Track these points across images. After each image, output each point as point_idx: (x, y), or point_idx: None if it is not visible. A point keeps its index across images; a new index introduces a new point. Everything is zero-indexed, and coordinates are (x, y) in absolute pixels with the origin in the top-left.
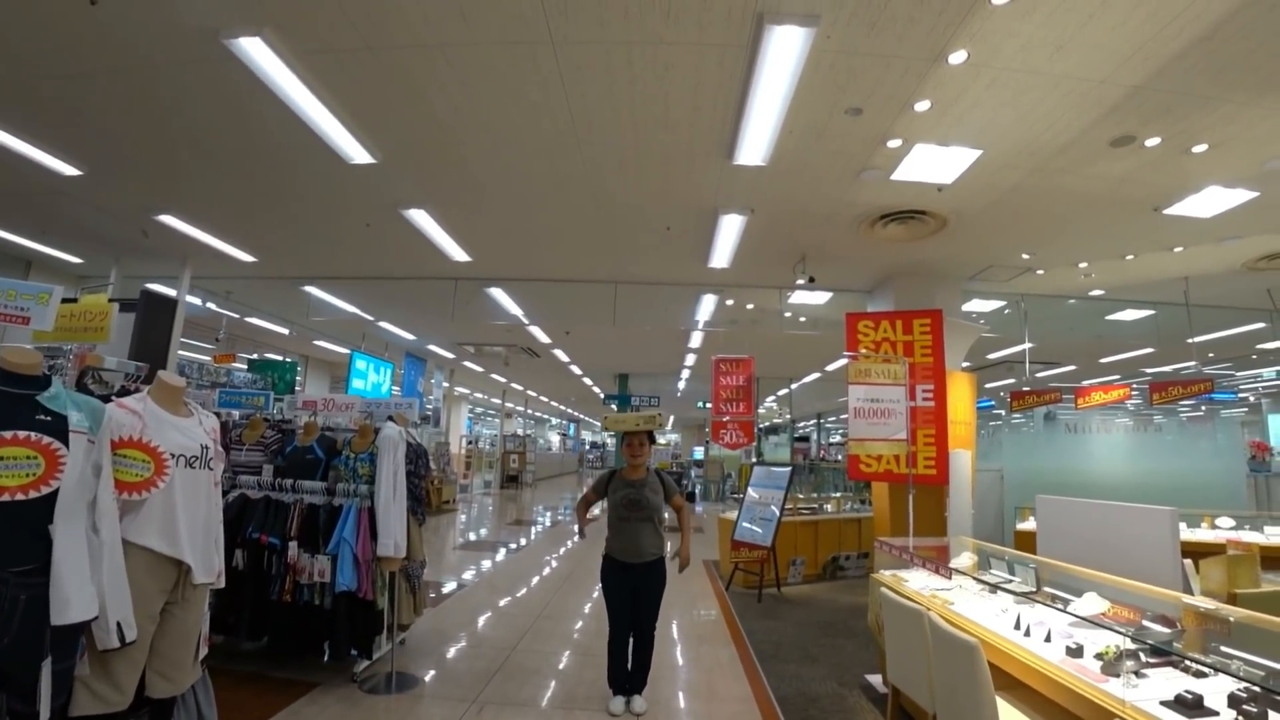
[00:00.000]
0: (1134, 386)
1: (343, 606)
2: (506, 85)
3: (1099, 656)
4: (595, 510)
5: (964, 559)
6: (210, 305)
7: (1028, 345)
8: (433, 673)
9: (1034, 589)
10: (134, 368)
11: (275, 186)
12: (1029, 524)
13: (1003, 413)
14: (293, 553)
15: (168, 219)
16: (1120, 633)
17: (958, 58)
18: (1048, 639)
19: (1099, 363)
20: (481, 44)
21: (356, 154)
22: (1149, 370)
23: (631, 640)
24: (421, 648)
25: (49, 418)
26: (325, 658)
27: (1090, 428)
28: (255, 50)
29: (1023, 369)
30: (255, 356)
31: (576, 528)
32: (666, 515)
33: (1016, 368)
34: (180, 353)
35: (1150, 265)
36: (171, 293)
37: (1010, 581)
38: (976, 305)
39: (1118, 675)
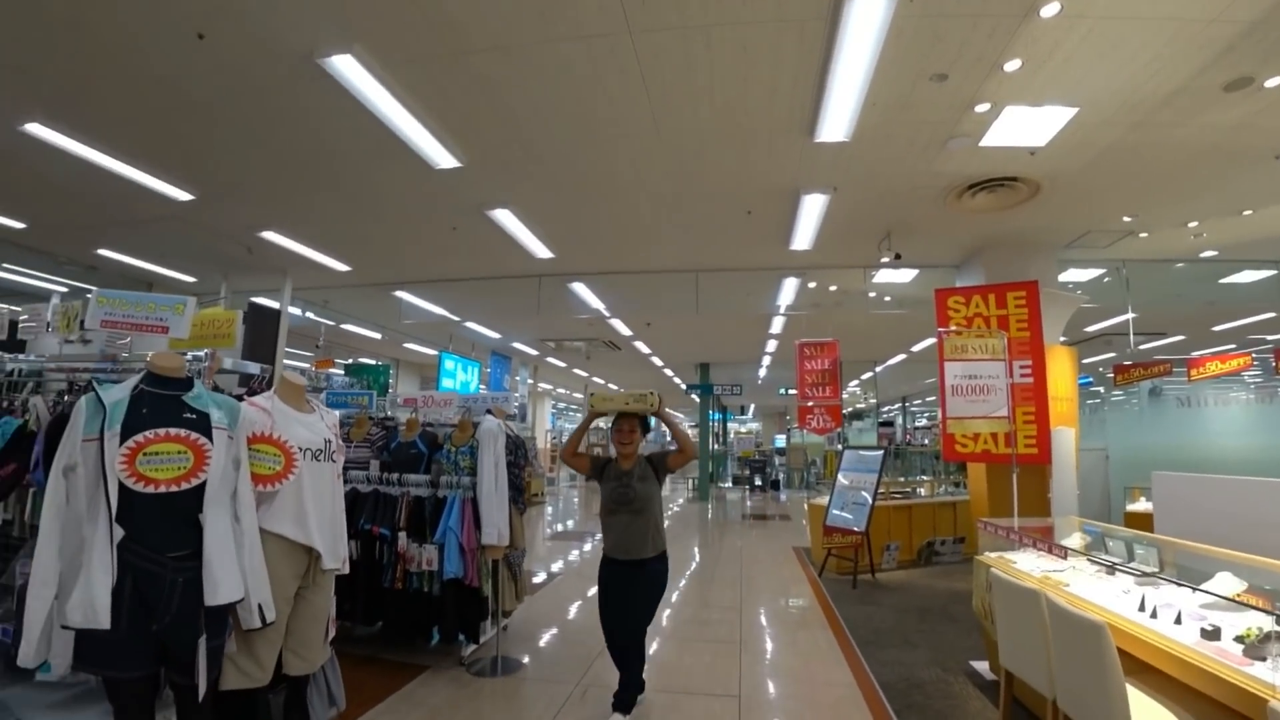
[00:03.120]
0: (1255, 355)
1: (450, 593)
2: (585, 79)
3: (1240, 639)
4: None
5: (1073, 540)
6: (309, 314)
7: (1131, 315)
8: (534, 657)
9: (1157, 569)
10: (259, 369)
11: (366, 196)
12: (1141, 504)
13: (1102, 389)
14: (402, 542)
15: (269, 235)
16: (1267, 612)
17: (1050, 10)
18: (1178, 621)
19: (1212, 331)
20: (560, 40)
21: (442, 159)
22: (1270, 337)
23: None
24: (521, 633)
25: (194, 416)
26: (432, 642)
27: (1204, 401)
28: (346, 66)
29: (1124, 341)
30: (350, 361)
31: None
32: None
33: (1116, 341)
34: (285, 361)
35: (1270, 221)
36: (275, 304)
37: (1129, 562)
38: (1072, 275)
39: (1264, 659)
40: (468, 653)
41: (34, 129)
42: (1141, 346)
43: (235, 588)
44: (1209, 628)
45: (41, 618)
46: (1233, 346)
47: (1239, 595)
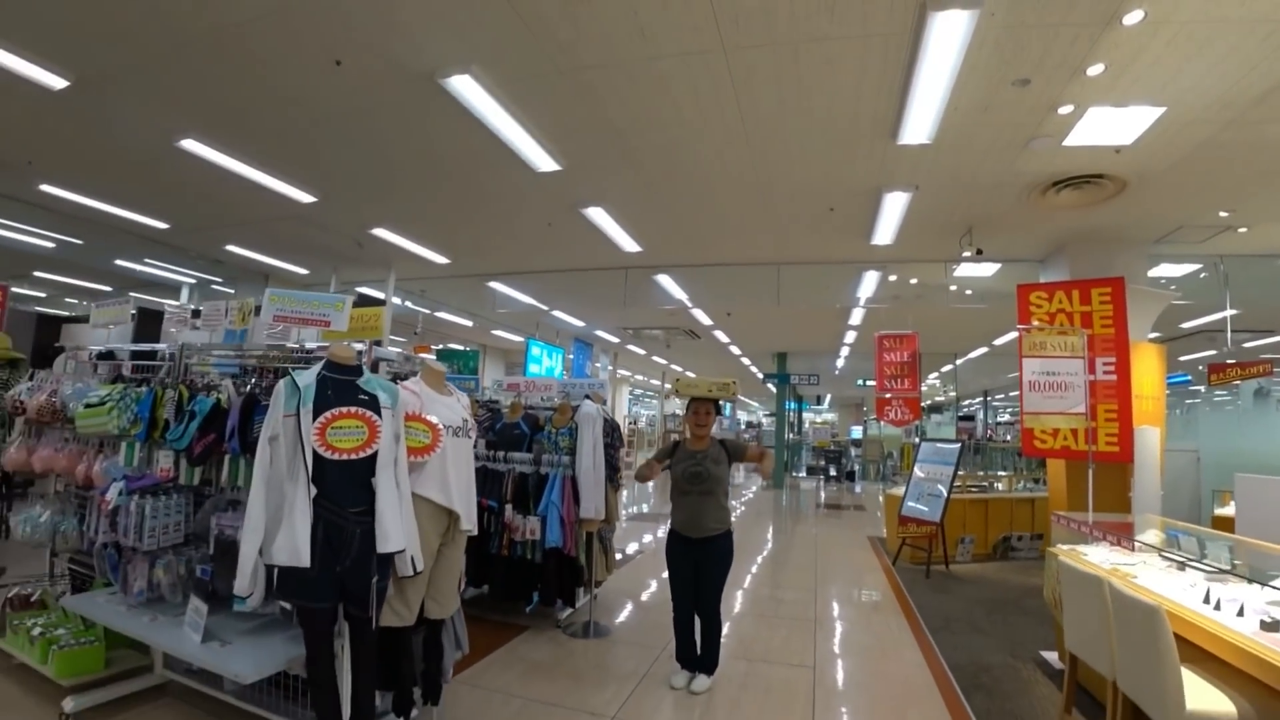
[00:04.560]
0: None
1: (551, 561)
2: (681, 92)
3: None
4: None
5: (1149, 536)
6: (407, 303)
7: (1230, 312)
8: (622, 624)
9: (1228, 567)
10: (397, 355)
11: (472, 197)
12: (1230, 509)
13: (1201, 388)
14: (508, 514)
15: (379, 231)
16: None
17: (1133, 18)
18: (1240, 614)
19: None
20: (659, 57)
21: (543, 163)
22: None
23: (698, 620)
24: (609, 603)
25: (366, 397)
26: (531, 605)
27: None
28: (463, 85)
29: (1224, 339)
30: (440, 346)
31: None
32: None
33: (1218, 338)
34: (389, 348)
35: None
36: (380, 295)
37: (1201, 559)
38: (1165, 270)
39: None
40: (563, 616)
41: (188, 144)
42: (1246, 344)
43: (400, 540)
44: (1269, 619)
45: (252, 558)
46: None
47: None
